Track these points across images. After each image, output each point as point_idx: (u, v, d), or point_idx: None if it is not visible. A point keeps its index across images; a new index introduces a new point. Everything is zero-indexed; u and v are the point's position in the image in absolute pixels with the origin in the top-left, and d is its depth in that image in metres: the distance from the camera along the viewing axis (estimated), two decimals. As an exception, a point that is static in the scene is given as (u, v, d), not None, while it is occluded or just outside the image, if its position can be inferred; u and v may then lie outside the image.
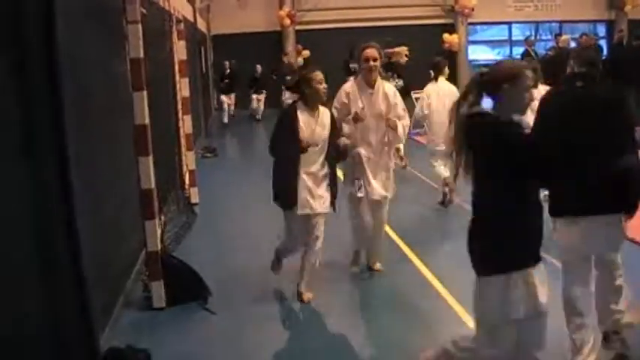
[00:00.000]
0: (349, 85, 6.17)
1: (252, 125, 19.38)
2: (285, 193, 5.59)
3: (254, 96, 20.20)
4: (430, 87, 8.99)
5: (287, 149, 5.48)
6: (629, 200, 4.02)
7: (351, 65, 19.70)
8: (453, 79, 23.76)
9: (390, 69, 12.06)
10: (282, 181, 5.57)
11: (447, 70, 9.17)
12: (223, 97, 19.56)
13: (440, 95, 8.64)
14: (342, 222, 6.40)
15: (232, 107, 19.68)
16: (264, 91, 20.22)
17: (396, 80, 11.86)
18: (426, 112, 8.79)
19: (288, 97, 19.65)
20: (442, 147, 8.33)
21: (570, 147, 3.79)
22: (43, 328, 3.47)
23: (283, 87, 20.07)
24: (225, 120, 19.28)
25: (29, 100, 3.41)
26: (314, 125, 5.54)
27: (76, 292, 3.65)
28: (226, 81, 19.46)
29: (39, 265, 3.45)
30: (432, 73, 9.12)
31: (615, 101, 4.14)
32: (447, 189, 8.62)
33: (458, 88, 8.96)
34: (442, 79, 8.99)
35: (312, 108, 5.58)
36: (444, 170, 8.60)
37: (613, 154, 3.94)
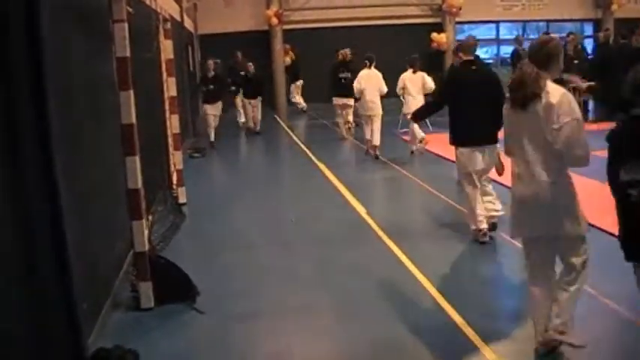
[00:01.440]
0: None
1: (242, 130, 17.75)
2: None
3: (245, 100, 17.22)
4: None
5: None
6: None
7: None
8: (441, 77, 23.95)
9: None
10: None
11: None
12: (207, 108, 15.43)
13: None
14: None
15: (217, 120, 15.50)
16: (259, 96, 16.92)
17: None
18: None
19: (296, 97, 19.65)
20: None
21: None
22: (29, 328, 3.45)
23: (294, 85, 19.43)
24: (212, 137, 15.37)
25: (14, 100, 3.38)
26: None
27: (62, 293, 3.63)
28: (211, 87, 15.30)
29: (24, 266, 3.43)
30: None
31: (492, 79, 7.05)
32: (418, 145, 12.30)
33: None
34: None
35: None
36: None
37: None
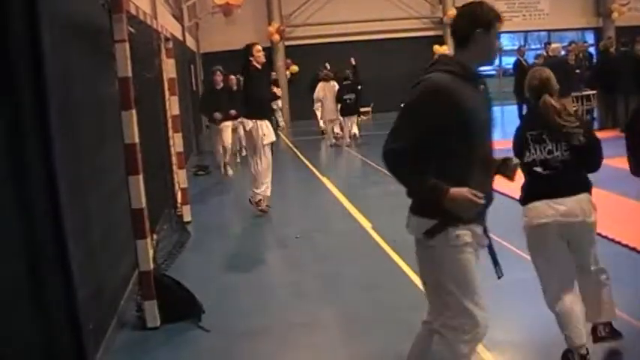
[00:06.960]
0: None
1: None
2: None
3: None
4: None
5: None
6: None
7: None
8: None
9: None
10: None
11: None
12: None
13: None
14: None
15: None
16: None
17: None
18: None
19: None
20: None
21: None
22: (35, 350, 3.43)
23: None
24: (230, 172, 13.24)
25: (17, 121, 3.39)
26: None
27: (68, 315, 3.62)
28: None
29: (30, 288, 3.42)
30: None
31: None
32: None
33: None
34: None
35: None
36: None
37: None
